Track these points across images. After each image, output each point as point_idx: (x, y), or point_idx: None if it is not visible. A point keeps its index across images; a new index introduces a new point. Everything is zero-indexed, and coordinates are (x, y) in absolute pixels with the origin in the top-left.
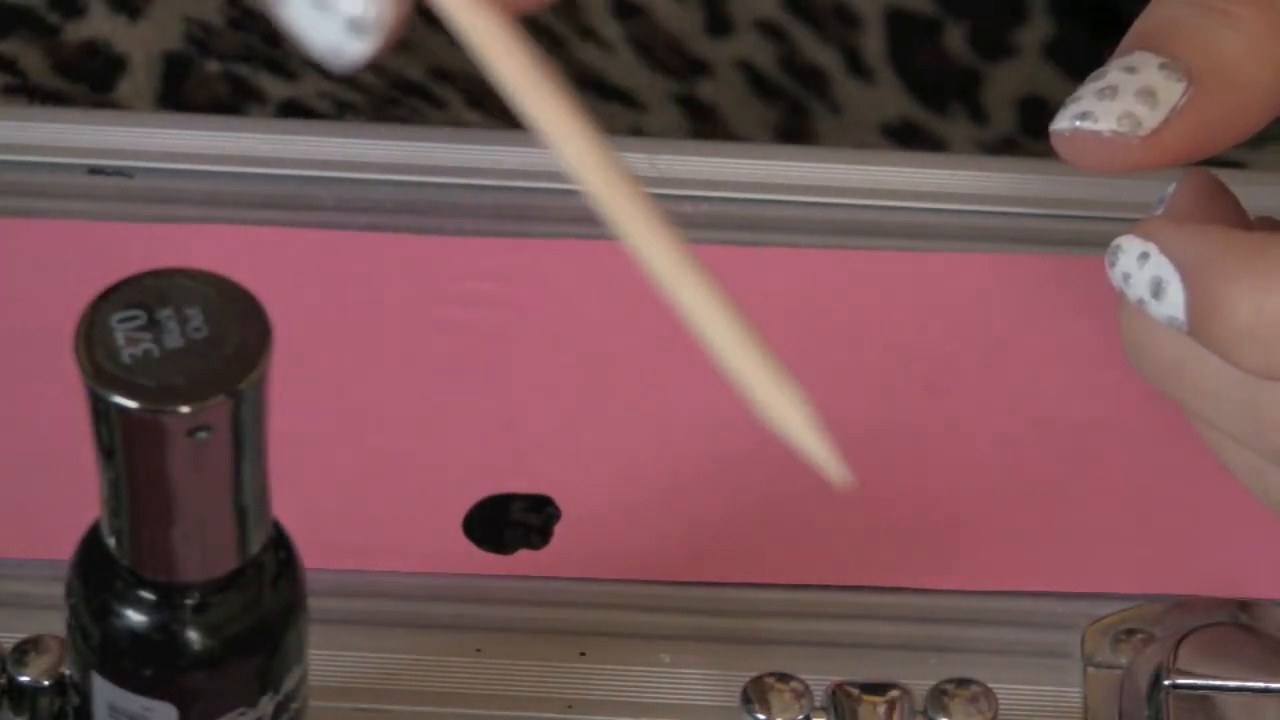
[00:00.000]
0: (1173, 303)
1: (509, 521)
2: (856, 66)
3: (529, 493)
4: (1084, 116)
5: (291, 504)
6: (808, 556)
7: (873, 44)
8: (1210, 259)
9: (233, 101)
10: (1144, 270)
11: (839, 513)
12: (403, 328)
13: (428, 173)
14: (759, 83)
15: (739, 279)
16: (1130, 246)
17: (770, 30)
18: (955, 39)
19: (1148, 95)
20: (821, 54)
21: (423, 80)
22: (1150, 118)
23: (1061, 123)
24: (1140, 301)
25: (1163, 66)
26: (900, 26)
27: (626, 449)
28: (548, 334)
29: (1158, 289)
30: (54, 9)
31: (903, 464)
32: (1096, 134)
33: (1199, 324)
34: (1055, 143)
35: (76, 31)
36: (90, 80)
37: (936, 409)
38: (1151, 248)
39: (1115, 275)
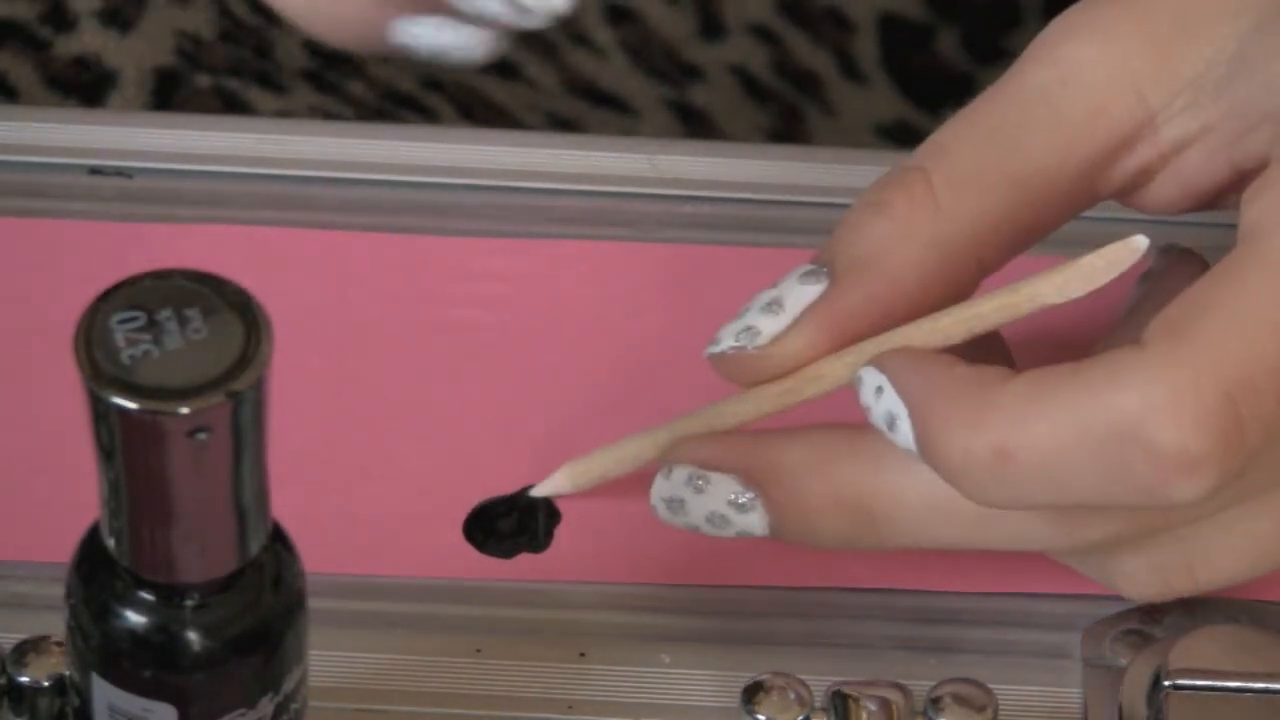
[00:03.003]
0: (905, 436)
1: (509, 524)
2: (849, 70)
3: (529, 497)
4: (715, 342)
5: (291, 505)
6: (808, 557)
7: (865, 48)
8: (928, 398)
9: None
10: (880, 404)
11: None
12: (402, 328)
13: (428, 173)
14: (752, 86)
15: (738, 279)
16: (869, 379)
17: (763, 34)
18: (948, 44)
19: (774, 305)
20: (814, 57)
21: (413, 90)
22: (771, 325)
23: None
24: (881, 432)
25: (805, 274)
26: (893, 31)
27: None
28: (548, 335)
29: (891, 423)
30: (45, 23)
31: None
32: (721, 354)
33: (926, 459)
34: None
35: (67, 46)
36: (81, 95)
37: None
38: (885, 382)
39: (860, 404)
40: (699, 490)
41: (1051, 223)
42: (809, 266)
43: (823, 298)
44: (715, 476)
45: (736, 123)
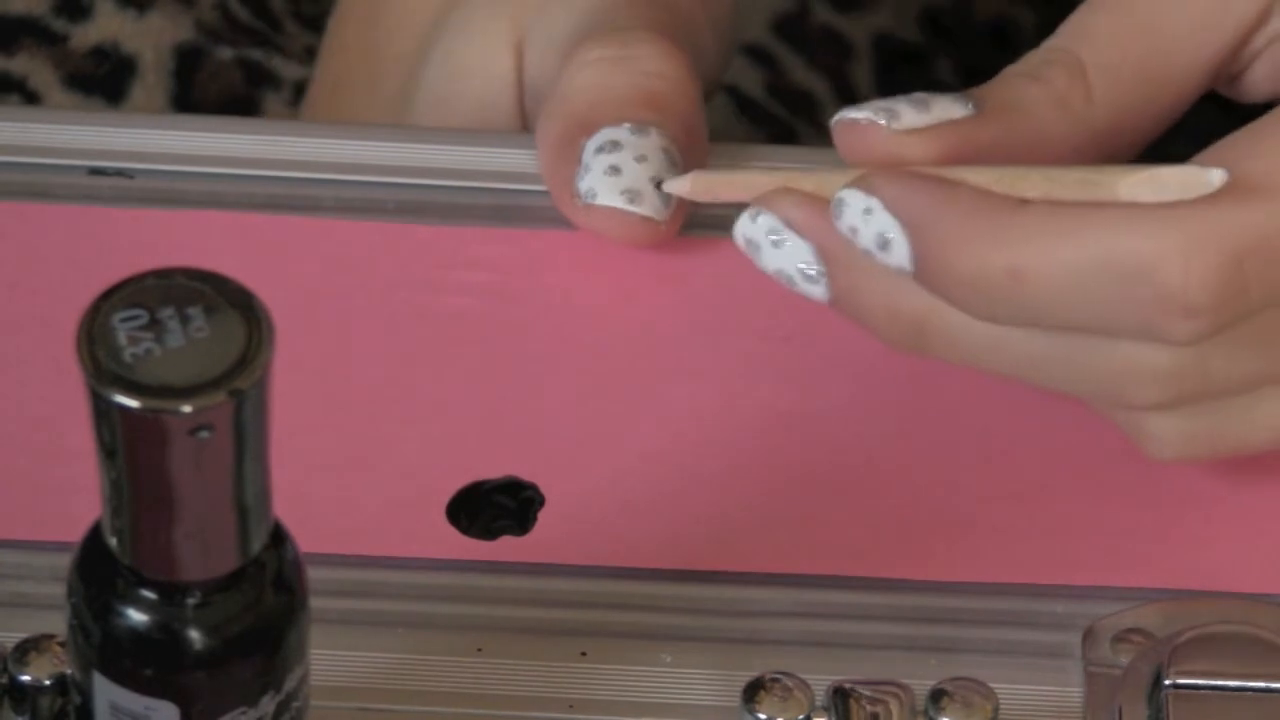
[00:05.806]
0: (900, 256)
1: (492, 508)
2: (845, 93)
3: (515, 479)
4: (855, 109)
5: (277, 488)
6: (804, 545)
7: (862, 72)
8: (938, 217)
9: (247, 89)
10: (869, 225)
11: (839, 502)
12: (393, 314)
13: (428, 174)
14: (747, 107)
15: (739, 278)
16: (854, 202)
17: (758, 55)
18: (944, 68)
19: (921, 103)
20: (810, 79)
21: None
22: (912, 117)
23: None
24: (867, 252)
25: (957, 96)
26: (889, 55)
27: (620, 439)
28: (539, 323)
29: (884, 244)
30: (60, 14)
31: (903, 458)
32: (854, 121)
33: (927, 276)
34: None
35: (85, 36)
36: (101, 90)
37: (938, 402)
38: (875, 204)
39: (842, 228)
40: (776, 245)
41: (1175, 116)
42: (961, 94)
43: (967, 118)
44: (794, 239)
45: (730, 142)
